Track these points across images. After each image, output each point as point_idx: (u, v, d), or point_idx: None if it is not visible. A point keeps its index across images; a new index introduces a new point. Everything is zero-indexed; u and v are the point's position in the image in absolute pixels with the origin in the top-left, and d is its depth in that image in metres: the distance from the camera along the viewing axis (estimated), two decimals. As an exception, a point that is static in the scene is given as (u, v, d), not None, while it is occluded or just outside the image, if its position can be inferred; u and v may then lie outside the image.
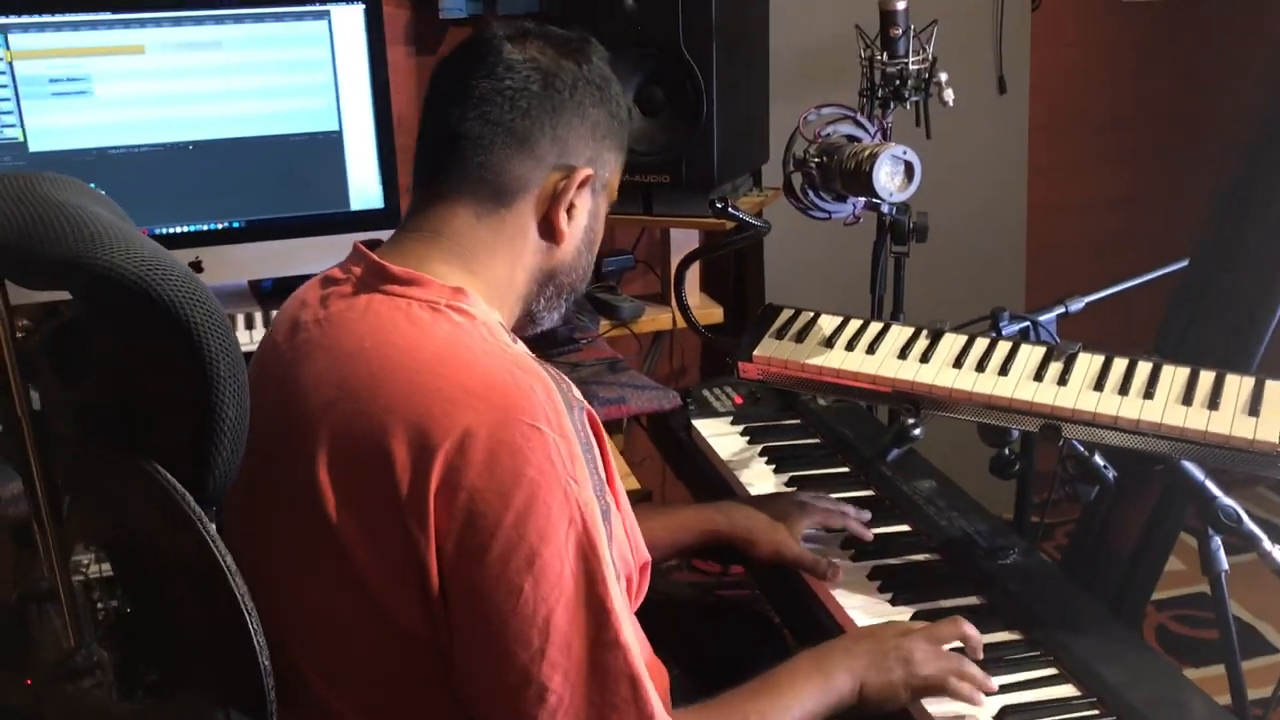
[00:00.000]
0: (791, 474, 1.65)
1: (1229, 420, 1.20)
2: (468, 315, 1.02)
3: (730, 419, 1.83)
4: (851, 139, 1.34)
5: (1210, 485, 1.30)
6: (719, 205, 1.47)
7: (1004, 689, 1.19)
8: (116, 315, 0.83)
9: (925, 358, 1.36)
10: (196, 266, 2.05)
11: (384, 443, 0.94)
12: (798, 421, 1.81)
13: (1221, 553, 1.34)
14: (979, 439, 1.44)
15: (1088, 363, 1.32)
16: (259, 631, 0.89)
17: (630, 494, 1.75)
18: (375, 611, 0.97)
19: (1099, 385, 1.28)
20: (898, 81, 1.89)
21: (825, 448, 1.74)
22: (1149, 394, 1.26)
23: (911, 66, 1.90)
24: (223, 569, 0.86)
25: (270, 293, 2.14)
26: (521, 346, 1.07)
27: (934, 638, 1.20)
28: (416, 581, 0.95)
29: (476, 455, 0.93)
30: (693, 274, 2.40)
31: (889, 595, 1.37)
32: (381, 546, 0.95)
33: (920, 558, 1.46)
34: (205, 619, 0.91)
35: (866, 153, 1.28)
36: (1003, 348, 1.35)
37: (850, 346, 1.40)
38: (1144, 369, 1.30)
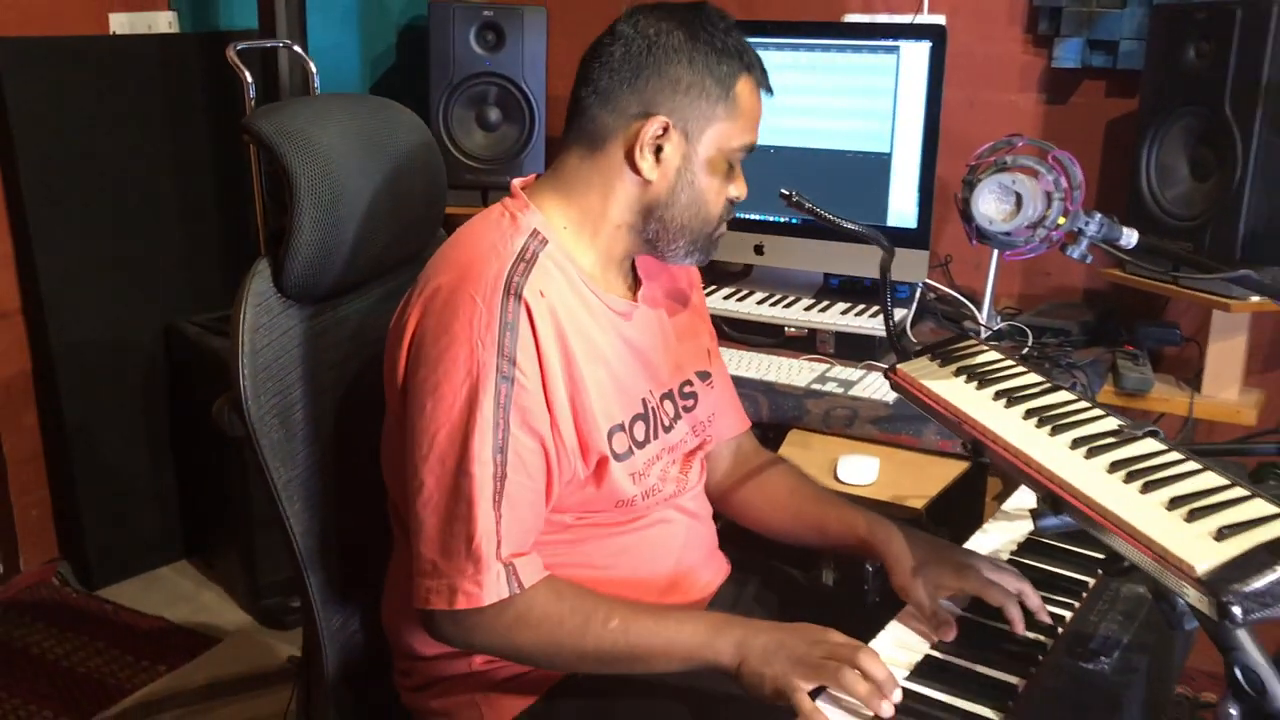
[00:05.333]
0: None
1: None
2: (510, 215, 1.33)
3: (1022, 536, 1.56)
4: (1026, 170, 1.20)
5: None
6: (785, 192, 1.43)
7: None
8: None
9: (1044, 424, 1.16)
10: (758, 249, 2.48)
11: (415, 293, 1.31)
12: (1089, 581, 1.42)
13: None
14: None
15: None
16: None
17: (907, 513, 1.76)
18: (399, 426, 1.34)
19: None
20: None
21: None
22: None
23: None
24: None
25: (836, 289, 2.47)
26: (540, 245, 1.29)
27: (842, 652, 1.16)
28: (398, 391, 1.31)
29: (435, 305, 1.26)
30: (1234, 356, 2.09)
31: (932, 642, 1.28)
32: (390, 363, 1.33)
33: (1027, 634, 1.29)
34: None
35: (975, 176, 1.17)
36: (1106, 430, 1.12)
37: (986, 389, 1.26)
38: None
